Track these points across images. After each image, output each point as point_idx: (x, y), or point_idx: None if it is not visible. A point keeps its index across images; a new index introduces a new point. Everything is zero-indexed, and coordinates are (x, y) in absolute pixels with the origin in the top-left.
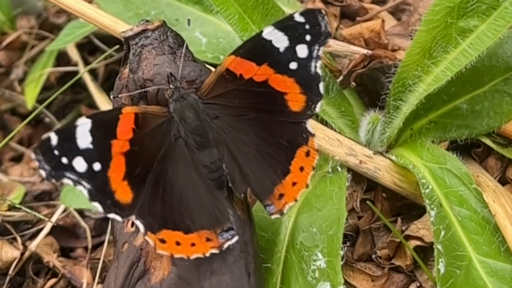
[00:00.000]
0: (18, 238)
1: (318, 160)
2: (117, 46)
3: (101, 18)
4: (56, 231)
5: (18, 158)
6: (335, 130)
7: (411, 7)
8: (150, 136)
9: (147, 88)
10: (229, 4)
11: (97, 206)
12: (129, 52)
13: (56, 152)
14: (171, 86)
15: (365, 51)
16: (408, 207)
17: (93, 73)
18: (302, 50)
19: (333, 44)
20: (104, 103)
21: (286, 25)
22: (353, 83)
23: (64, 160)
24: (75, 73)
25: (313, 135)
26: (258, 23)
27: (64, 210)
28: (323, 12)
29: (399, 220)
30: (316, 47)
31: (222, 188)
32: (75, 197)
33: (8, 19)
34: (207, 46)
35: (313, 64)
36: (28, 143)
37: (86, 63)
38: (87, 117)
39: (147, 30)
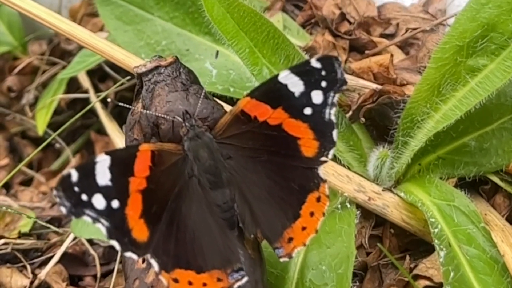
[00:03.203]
0: (28, 266)
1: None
2: (128, 77)
3: (114, 53)
4: (65, 259)
5: (27, 182)
6: (343, 165)
7: (420, 41)
8: (165, 173)
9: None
10: (240, 38)
11: (114, 244)
12: (142, 88)
13: (76, 188)
14: (186, 123)
15: (374, 86)
16: (416, 243)
17: (103, 99)
18: (317, 96)
19: None
20: (113, 130)
21: (302, 70)
22: (363, 119)
23: (84, 197)
24: (86, 98)
25: (324, 181)
26: (268, 57)
27: (74, 238)
28: (340, 59)
29: (408, 257)
30: (331, 94)
31: (233, 228)
32: (85, 227)
33: (21, 44)
34: (217, 77)
35: (327, 111)
36: (37, 167)
37: (97, 89)
38: (106, 153)
39: (160, 66)
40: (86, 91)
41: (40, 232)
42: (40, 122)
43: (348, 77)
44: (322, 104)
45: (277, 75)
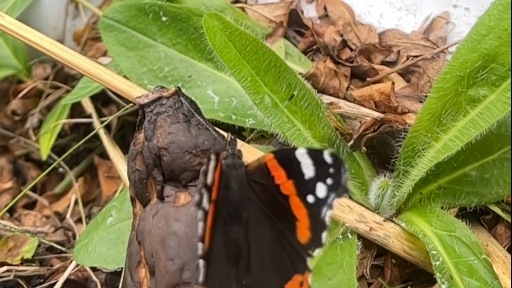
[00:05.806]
0: None
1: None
2: (131, 104)
3: (116, 82)
4: (67, 285)
5: (31, 205)
6: None
7: (421, 69)
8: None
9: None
10: (242, 67)
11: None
12: (144, 118)
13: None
14: (229, 149)
15: (375, 114)
16: (417, 273)
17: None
18: (321, 189)
19: (344, 106)
20: (116, 155)
21: (316, 156)
22: (364, 148)
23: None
24: (89, 122)
25: (310, 271)
26: (270, 86)
27: (77, 264)
28: (346, 167)
29: None
30: (332, 195)
31: (236, 265)
32: (88, 254)
33: (25, 68)
34: (219, 104)
35: (324, 210)
36: (41, 190)
37: (100, 114)
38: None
39: (162, 97)
40: (90, 116)
41: (43, 257)
42: (44, 147)
43: (349, 105)
44: (322, 200)
45: (296, 148)
